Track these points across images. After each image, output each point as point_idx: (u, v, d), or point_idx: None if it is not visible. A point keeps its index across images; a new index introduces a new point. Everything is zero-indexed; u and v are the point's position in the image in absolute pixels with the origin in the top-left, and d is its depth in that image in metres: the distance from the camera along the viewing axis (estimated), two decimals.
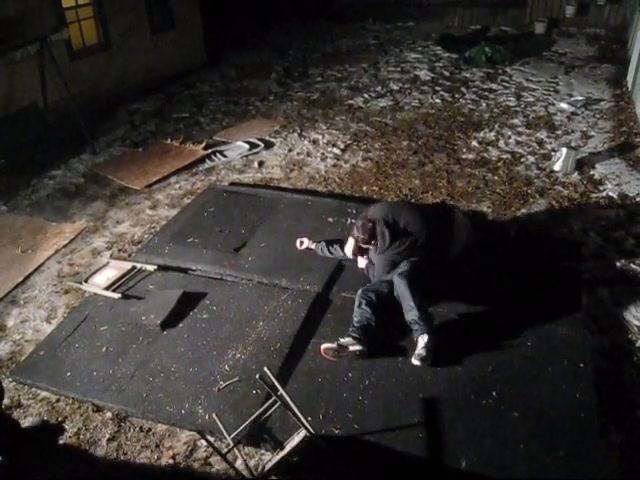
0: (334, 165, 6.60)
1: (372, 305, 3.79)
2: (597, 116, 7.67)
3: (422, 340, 3.58)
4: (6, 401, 3.60)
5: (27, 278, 4.82)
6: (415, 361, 3.54)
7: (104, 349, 3.85)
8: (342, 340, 3.67)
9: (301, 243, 4.77)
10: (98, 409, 3.50)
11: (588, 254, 4.69)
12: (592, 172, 6.11)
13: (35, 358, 3.84)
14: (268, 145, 7.20)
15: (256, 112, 8.49)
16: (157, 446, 3.26)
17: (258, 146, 7.12)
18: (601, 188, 5.78)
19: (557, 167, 6.15)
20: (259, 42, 12.38)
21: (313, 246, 4.71)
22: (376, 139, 7.24)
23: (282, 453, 2.88)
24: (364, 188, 5.99)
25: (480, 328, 3.89)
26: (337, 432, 3.19)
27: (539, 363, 3.58)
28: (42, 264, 4.99)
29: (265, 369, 2.98)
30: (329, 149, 7.00)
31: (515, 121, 7.62)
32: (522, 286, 4.25)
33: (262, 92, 9.32)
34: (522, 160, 6.49)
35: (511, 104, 8.25)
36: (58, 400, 3.59)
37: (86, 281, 4.58)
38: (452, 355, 3.66)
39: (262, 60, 11.11)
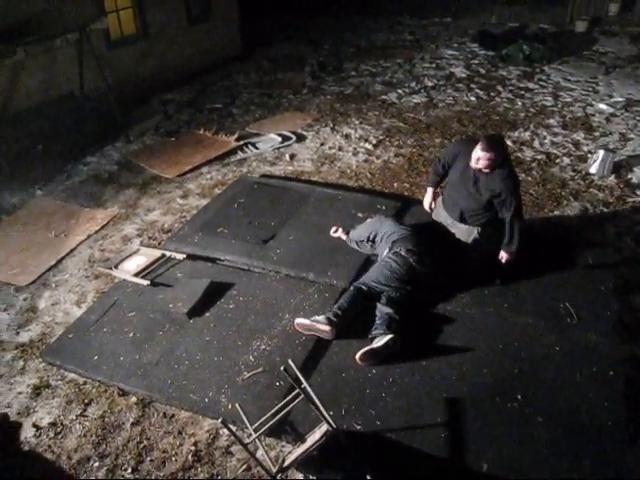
0: (365, 160, 6.57)
1: (360, 296, 3.91)
2: (637, 118, 7.47)
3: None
4: (35, 381, 3.69)
5: (59, 262, 4.92)
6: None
7: (131, 335, 3.90)
8: (317, 317, 3.76)
9: (335, 230, 4.78)
10: (123, 393, 3.55)
11: (622, 259, 4.59)
12: (630, 176, 5.96)
13: (64, 340, 3.91)
14: (300, 138, 7.20)
15: (289, 105, 8.49)
16: (180, 433, 3.30)
17: (290, 139, 7.12)
18: (638, 192, 5.64)
19: (593, 170, 6.02)
20: (294, 35, 12.36)
21: (344, 237, 4.71)
22: (409, 135, 7.18)
23: (303, 446, 2.87)
24: (395, 184, 5.95)
25: (507, 330, 3.83)
26: (358, 428, 3.18)
27: (567, 369, 3.52)
28: (74, 249, 5.08)
29: (289, 361, 2.98)
30: (361, 144, 6.97)
31: (551, 121, 7.48)
32: (553, 290, 4.18)
33: (296, 85, 9.31)
34: (557, 161, 6.37)
35: (548, 104, 8.10)
36: (85, 382, 3.66)
37: (116, 267, 4.65)
38: (477, 356, 3.62)
39: (297, 53, 11.09)
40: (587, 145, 6.74)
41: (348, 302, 3.83)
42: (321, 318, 3.73)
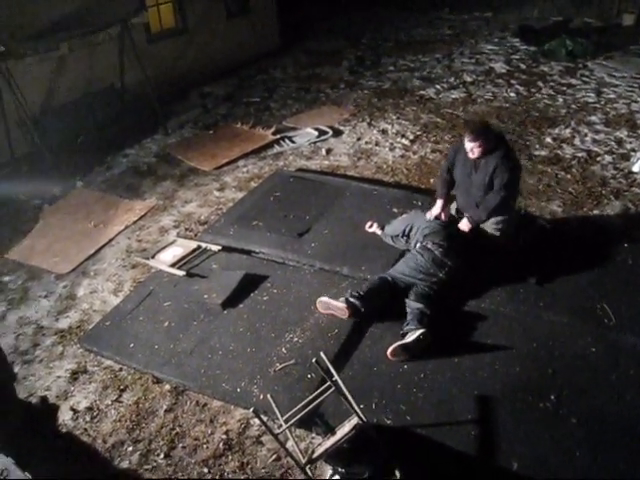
0: (402, 156, 6.53)
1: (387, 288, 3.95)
2: None
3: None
4: (73, 366, 3.79)
5: (98, 251, 5.04)
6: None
7: (166, 324, 3.98)
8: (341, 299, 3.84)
9: (370, 225, 4.78)
10: (158, 381, 3.63)
11: None
12: None
13: (101, 328, 4.02)
14: (337, 133, 7.19)
15: (326, 99, 8.49)
16: (211, 421, 3.36)
17: (327, 133, 7.12)
18: None
19: (636, 168, 5.86)
20: (332, 30, 12.32)
21: (379, 232, 4.70)
22: (446, 131, 7.11)
23: (333, 439, 2.88)
24: (431, 180, 5.90)
25: (542, 329, 3.77)
26: (389, 422, 3.18)
27: (603, 370, 3.45)
28: (112, 239, 5.20)
29: (321, 354, 2.99)
30: (398, 139, 6.93)
31: (593, 118, 7.29)
32: (590, 290, 4.09)
33: (333, 80, 9.30)
34: (598, 159, 6.22)
35: (590, 100, 7.89)
36: (121, 369, 3.75)
37: (153, 257, 4.74)
38: (511, 354, 3.58)
39: (335, 48, 11.05)
40: (630, 143, 6.56)
41: (368, 287, 3.88)
42: (340, 299, 3.80)
